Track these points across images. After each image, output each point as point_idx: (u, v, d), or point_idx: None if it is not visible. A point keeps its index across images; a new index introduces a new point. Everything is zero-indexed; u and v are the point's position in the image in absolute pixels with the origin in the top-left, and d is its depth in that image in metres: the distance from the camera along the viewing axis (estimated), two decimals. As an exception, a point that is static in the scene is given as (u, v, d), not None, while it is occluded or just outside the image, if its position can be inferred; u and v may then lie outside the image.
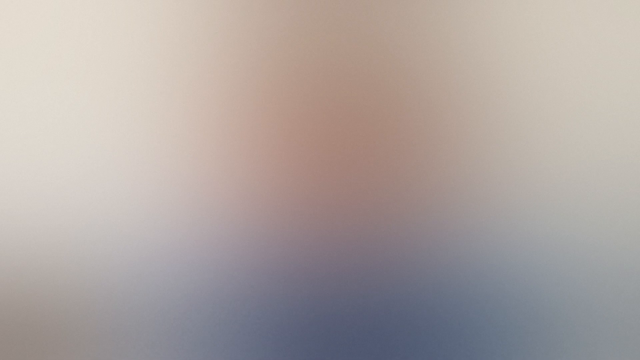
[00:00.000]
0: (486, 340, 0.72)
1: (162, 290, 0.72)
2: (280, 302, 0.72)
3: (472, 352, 0.72)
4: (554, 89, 0.72)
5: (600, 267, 0.72)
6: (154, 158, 0.72)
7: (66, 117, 0.72)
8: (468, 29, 0.72)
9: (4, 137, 0.72)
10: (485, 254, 0.72)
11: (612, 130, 0.72)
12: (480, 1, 0.72)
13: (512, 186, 0.72)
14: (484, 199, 0.72)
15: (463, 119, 0.72)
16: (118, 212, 0.71)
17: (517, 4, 0.72)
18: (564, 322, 0.72)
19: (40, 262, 0.71)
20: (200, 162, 0.72)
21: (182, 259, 0.71)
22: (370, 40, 0.71)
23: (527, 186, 0.72)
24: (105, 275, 0.71)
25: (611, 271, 0.72)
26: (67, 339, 0.71)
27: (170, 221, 0.71)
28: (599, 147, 0.72)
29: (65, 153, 0.71)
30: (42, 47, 0.72)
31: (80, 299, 0.71)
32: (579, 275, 0.72)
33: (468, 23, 0.72)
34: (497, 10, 0.72)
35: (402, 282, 0.72)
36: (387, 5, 0.72)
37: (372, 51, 0.71)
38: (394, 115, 0.72)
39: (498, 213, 0.72)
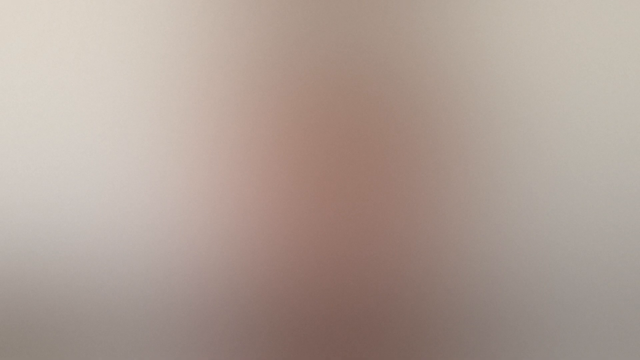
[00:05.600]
0: (486, 341, 0.72)
1: (161, 290, 0.72)
2: (279, 302, 0.72)
3: (474, 353, 0.72)
4: (550, 90, 0.72)
5: (602, 267, 0.72)
6: (154, 158, 0.72)
7: (65, 116, 0.71)
8: (462, 31, 0.72)
9: (2, 137, 0.72)
10: (483, 256, 0.72)
11: (612, 131, 0.72)
12: (475, 3, 0.72)
13: (509, 187, 0.72)
14: (481, 200, 0.72)
15: (459, 121, 0.72)
16: (117, 212, 0.71)
17: (512, 4, 0.72)
18: (565, 323, 0.72)
19: (39, 261, 0.71)
20: (199, 162, 0.72)
21: (183, 259, 0.71)
22: (365, 43, 0.71)
23: (525, 187, 0.72)
24: (104, 275, 0.71)
25: (613, 272, 0.72)
26: (65, 339, 0.71)
27: (169, 221, 0.71)
28: (599, 147, 0.72)
29: (63, 152, 0.71)
30: (41, 47, 0.72)
31: (78, 299, 0.71)
32: (580, 276, 0.72)
33: (462, 25, 0.72)
34: (491, 11, 0.72)
35: (401, 283, 0.72)
36: (383, 8, 0.72)
37: (368, 54, 0.71)
38: (391, 118, 0.72)
39: (496, 214, 0.72)
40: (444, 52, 0.72)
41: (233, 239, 0.71)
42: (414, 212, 0.72)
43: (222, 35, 0.72)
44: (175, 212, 0.71)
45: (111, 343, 0.71)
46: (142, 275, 0.71)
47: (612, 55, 0.72)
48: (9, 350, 0.71)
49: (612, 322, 0.72)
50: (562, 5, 0.72)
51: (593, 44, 0.72)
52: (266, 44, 0.72)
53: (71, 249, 0.71)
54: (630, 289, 0.72)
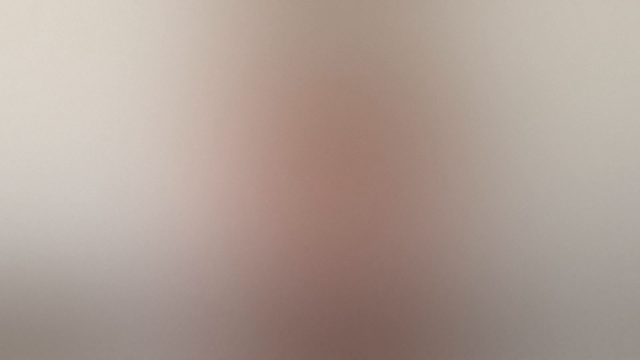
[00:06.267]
0: (486, 341, 0.72)
1: (161, 290, 0.72)
2: (279, 302, 0.72)
3: (474, 353, 0.72)
4: (550, 90, 0.72)
5: (602, 267, 0.72)
6: (154, 158, 0.72)
7: (65, 116, 0.71)
8: (462, 31, 0.72)
9: (2, 137, 0.72)
10: (483, 256, 0.72)
11: (612, 131, 0.72)
12: (475, 3, 0.72)
13: (509, 187, 0.72)
14: (481, 200, 0.72)
15: (459, 121, 0.72)
16: (117, 212, 0.71)
17: (512, 3, 0.72)
18: (565, 323, 0.72)
19: (39, 261, 0.71)
20: (199, 162, 0.72)
21: (183, 259, 0.71)
22: (365, 43, 0.71)
23: (525, 187, 0.72)
24: (104, 275, 0.71)
25: (613, 272, 0.72)
26: (65, 339, 0.71)
27: (169, 221, 0.71)
28: (599, 147, 0.72)
29: (63, 152, 0.71)
30: (41, 46, 0.72)
31: (78, 298, 0.71)
32: (580, 276, 0.72)
33: (462, 25, 0.72)
34: (491, 11, 0.72)
35: (401, 283, 0.72)
36: (383, 8, 0.72)
37: (368, 54, 0.71)
38: (391, 118, 0.72)
39: (496, 214, 0.72)
40: (444, 52, 0.72)
41: (233, 239, 0.71)
42: (414, 212, 0.72)
43: (222, 35, 0.72)
44: (175, 212, 0.71)
45: (111, 343, 0.71)
46: (142, 275, 0.71)
47: (612, 55, 0.72)
48: (9, 350, 0.71)
49: (612, 322, 0.72)
50: (562, 5, 0.72)
51: (593, 44, 0.72)
52: (266, 44, 0.72)
53: (71, 249, 0.71)
54: (630, 289, 0.72)
